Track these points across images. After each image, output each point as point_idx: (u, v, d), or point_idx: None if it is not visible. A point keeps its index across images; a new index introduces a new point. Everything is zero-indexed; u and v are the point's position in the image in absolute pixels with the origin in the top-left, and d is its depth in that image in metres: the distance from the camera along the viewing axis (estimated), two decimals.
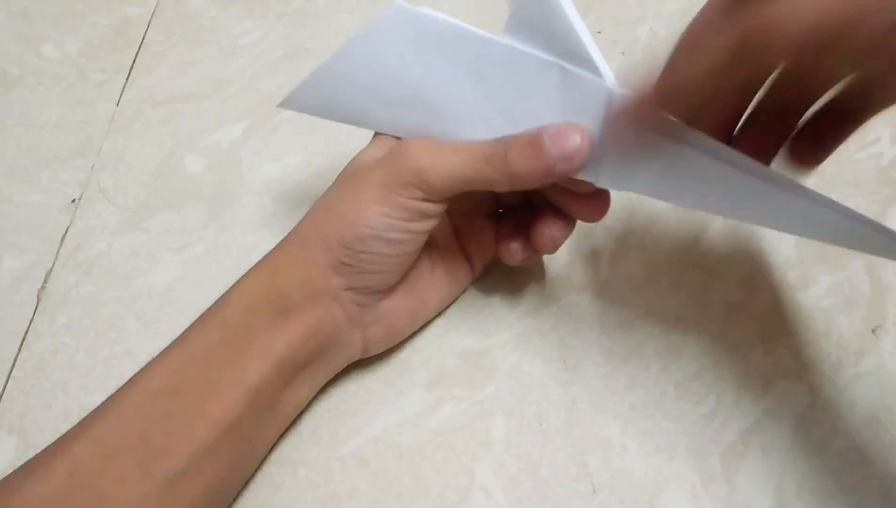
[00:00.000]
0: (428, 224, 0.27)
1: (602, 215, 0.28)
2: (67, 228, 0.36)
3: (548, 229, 0.28)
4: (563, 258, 0.34)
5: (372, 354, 0.30)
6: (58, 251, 0.35)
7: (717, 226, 0.35)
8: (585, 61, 0.24)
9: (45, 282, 0.34)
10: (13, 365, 0.31)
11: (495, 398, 0.30)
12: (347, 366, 0.31)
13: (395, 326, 0.30)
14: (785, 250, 0.34)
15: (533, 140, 0.25)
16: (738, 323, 0.31)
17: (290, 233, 0.28)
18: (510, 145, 0.25)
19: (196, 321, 0.27)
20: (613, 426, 0.29)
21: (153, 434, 0.24)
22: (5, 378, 0.31)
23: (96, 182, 0.38)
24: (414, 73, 0.27)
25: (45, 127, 0.40)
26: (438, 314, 0.32)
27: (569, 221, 0.29)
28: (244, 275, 0.28)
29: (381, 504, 0.27)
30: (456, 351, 0.31)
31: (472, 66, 0.26)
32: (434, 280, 0.31)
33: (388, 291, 0.29)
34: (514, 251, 0.30)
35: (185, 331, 0.27)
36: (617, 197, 0.27)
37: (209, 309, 0.27)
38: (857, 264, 0.33)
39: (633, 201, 0.35)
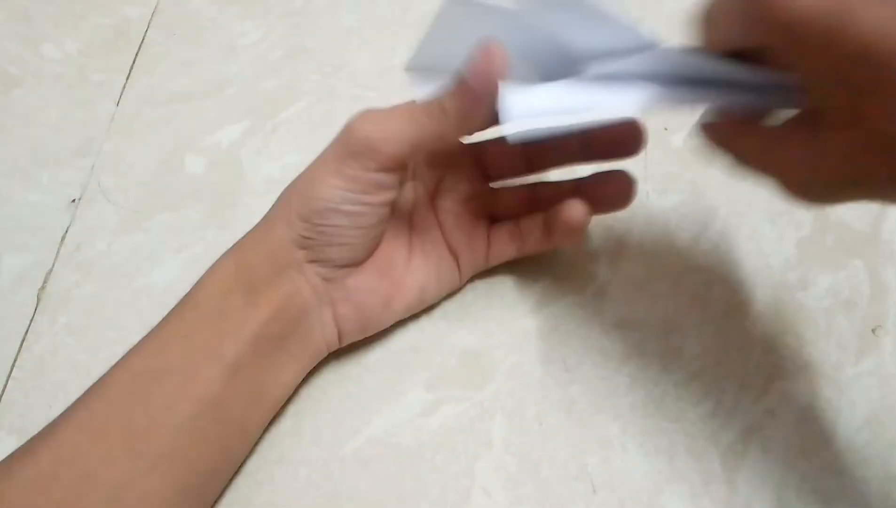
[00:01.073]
0: (384, 196, 0.28)
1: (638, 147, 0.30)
2: (67, 228, 0.36)
3: (566, 208, 0.29)
4: (563, 258, 0.34)
5: (349, 340, 0.30)
6: (58, 251, 0.35)
7: (717, 226, 0.35)
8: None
9: (45, 282, 0.34)
10: (13, 365, 0.31)
11: (495, 398, 0.30)
12: (348, 365, 0.31)
13: (366, 306, 0.30)
14: (785, 250, 0.34)
15: (456, 80, 0.26)
16: (738, 323, 0.31)
17: (259, 221, 0.29)
18: (442, 94, 0.27)
19: (173, 307, 0.28)
20: (613, 426, 0.29)
21: (137, 415, 0.25)
22: (5, 378, 0.31)
23: (96, 182, 0.38)
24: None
25: (45, 127, 0.40)
26: (437, 314, 0.32)
27: (584, 203, 0.29)
28: (217, 260, 0.29)
29: (381, 504, 0.27)
30: (456, 351, 0.31)
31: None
32: (411, 268, 0.31)
33: (356, 268, 0.29)
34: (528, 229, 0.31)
35: (163, 318, 0.28)
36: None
37: (185, 295, 0.28)
38: (857, 264, 0.33)
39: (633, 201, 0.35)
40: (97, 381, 0.26)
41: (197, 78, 0.42)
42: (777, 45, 0.21)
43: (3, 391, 0.31)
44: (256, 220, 0.36)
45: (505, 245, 0.32)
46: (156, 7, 0.46)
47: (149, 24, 0.45)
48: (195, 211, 0.37)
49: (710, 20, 0.24)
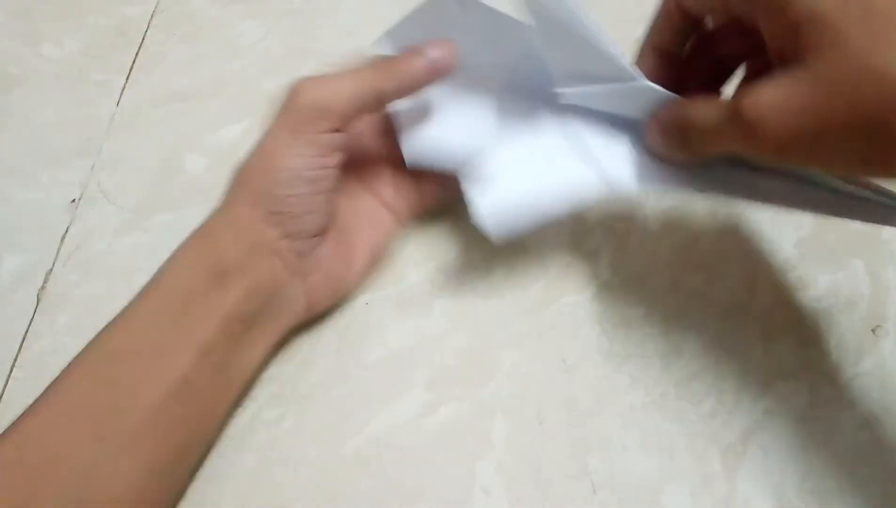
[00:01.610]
0: (338, 157, 0.28)
1: None
2: (67, 228, 0.36)
3: None
4: (563, 258, 0.34)
5: (316, 311, 0.31)
6: (58, 251, 0.35)
7: (717, 226, 0.35)
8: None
9: (45, 282, 0.34)
10: (13, 365, 0.31)
11: (495, 398, 0.30)
12: (347, 365, 0.31)
13: (334, 274, 0.30)
14: (785, 250, 0.34)
15: (413, 48, 0.28)
16: (738, 323, 0.31)
17: (217, 206, 0.29)
18: (393, 58, 0.28)
19: (138, 292, 0.28)
20: (613, 426, 0.29)
21: (102, 397, 0.25)
22: (5, 378, 0.31)
23: (96, 182, 0.38)
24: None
25: (45, 127, 0.40)
26: (437, 313, 0.32)
27: None
28: (179, 246, 0.28)
29: (381, 504, 0.27)
30: (456, 351, 0.31)
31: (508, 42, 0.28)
32: (359, 224, 0.31)
33: (323, 236, 0.29)
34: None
35: (129, 302, 0.27)
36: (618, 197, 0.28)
37: (150, 280, 0.28)
38: (857, 264, 0.33)
39: (633, 201, 0.35)
40: (64, 368, 0.26)
41: (197, 77, 0.42)
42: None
43: (3, 391, 0.31)
44: None
45: (433, 186, 0.33)
46: (156, 7, 0.46)
47: (149, 23, 0.45)
48: (195, 211, 0.36)
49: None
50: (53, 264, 0.35)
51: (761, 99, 0.22)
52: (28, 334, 0.32)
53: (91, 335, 0.32)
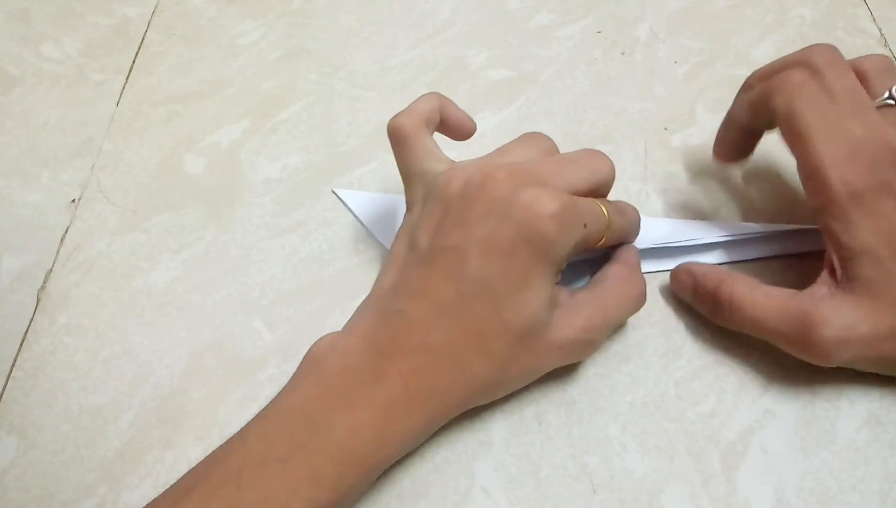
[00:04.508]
0: None
1: None
2: (67, 228, 0.36)
3: None
4: None
5: None
6: (58, 251, 0.35)
7: None
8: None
9: (45, 282, 0.34)
10: (13, 365, 0.31)
11: None
12: None
13: None
14: None
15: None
16: None
17: None
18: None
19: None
20: (613, 425, 0.29)
21: None
22: (5, 378, 0.31)
23: (96, 182, 0.38)
24: None
25: (45, 127, 0.40)
26: None
27: None
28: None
29: (380, 504, 0.27)
30: None
31: None
32: None
33: None
34: None
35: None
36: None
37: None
38: None
39: (633, 201, 0.35)
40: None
41: (196, 78, 0.42)
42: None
43: (3, 391, 0.31)
44: (256, 220, 0.36)
45: None
46: (155, 7, 0.46)
47: (148, 24, 0.45)
48: (195, 211, 0.37)
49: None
50: (53, 264, 0.35)
51: (830, 326, 0.26)
52: (28, 334, 0.32)
53: (91, 334, 0.32)
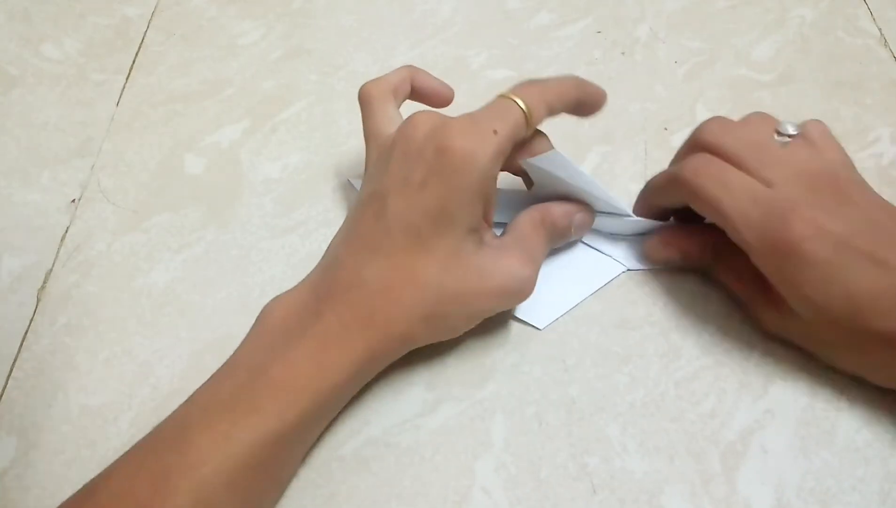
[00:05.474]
0: None
1: None
2: (67, 228, 0.36)
3: None
4: None
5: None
6: (58, 251, 0.35)
7: None
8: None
9: (45, 282, 0.34)
10: (13, 365, 0.31)
11: (495, 398, 0.30)
12: None
13: None
14: None
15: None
16: (738, 323, 0.31)
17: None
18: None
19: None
20: (613, 426, 0.29)
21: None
22: (5, 378, 0.31)
23: (96, 182, 0.38)
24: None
25: (45, 127, 0.40)
26: None
27: None
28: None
29: (381, 504, 0.27)
30: (456, 351, 0.31)
31: None
32: None
33: None
34: None
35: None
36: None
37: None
38: None
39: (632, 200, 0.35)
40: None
41: (196, 78, 0.42)
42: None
43: (3, 391, 0.31)
44: (256, 220, 0.36)
45: None
46: (155, 7, 0.46)
47: (148, 24, 0.45)
48: (195, 211, 0.37)
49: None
50: (53, 264, 0.35)
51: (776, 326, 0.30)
52: (28, 334, 0.32)
53: (91, 334, 0.32)
